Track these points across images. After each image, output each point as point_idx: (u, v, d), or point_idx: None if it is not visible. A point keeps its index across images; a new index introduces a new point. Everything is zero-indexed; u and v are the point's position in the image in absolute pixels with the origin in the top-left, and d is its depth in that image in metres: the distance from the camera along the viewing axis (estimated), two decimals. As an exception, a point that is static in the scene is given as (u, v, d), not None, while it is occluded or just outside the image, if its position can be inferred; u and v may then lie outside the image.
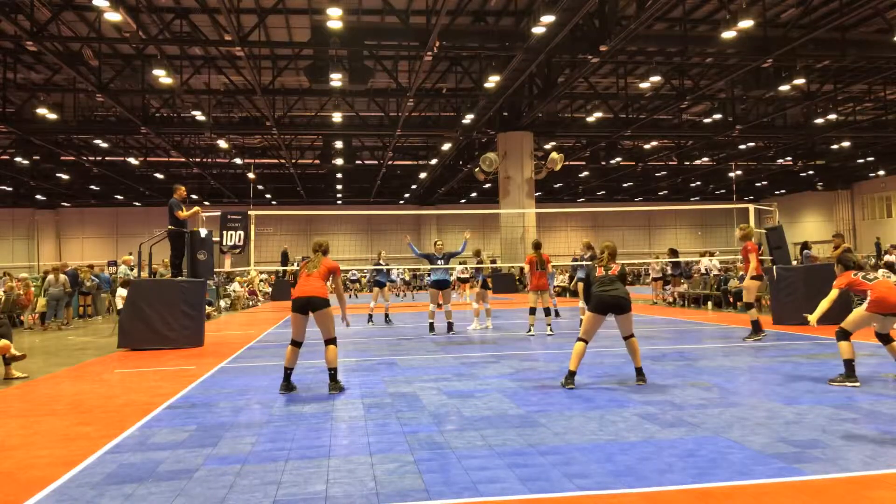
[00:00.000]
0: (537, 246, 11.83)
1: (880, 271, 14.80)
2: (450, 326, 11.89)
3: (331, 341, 6.64)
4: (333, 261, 7.08)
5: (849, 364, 6.28)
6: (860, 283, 6.49)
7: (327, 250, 7.12)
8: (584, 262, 12.96)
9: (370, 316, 14.46)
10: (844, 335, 6.42)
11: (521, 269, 22.04)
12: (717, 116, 27.10)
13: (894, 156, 36.78)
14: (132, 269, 16.55)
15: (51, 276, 15.64)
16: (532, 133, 27.55)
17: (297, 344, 6.60)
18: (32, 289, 16.38)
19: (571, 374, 6.41)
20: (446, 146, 30.31)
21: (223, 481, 3.80)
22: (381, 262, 15.52)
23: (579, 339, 6.48)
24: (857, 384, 6.13)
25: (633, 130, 27.81)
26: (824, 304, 6.55)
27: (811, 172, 41.95)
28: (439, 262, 12.10)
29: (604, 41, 16.74)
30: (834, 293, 6.61)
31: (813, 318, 6.49)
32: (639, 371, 6.53)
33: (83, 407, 6.04)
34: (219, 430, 4.99)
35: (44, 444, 4.76)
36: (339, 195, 46.17)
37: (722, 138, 30.07)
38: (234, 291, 23.76)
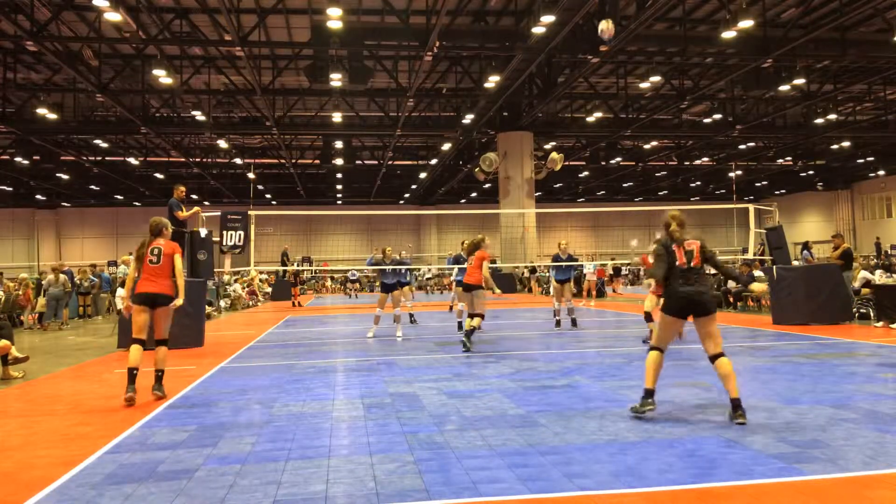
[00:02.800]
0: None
1: (878, 272, 14.83)
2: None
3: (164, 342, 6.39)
4: (174, 242, 6.60)
5: None
6: None
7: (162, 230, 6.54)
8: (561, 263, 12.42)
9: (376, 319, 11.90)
10: None
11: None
12: (717, 116, 27.10)
13: (894, 156, 36.79)
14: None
15: (50, 276, 15.63)
16: (532, 133, 27.56)
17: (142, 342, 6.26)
18: (31, 289, 16.36)
19: (649, 393, 5.03)
20: (446, 146, 30.32)
21: (223, 481, 3.80)
22: (385, 259, 12.43)
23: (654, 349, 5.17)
24: None
25: (633, 130, 27.82)
26: None
27: (811, 172, 41.96)
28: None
29: (604, 41, 16.74)
30: None
31: None
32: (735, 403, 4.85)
33: (83, 407, 6.03)
34: (219, 430, 4.99)
35: (44, 444, 4.76)
36: (339, 195, 46.18)
37: (722, 138, 30.08)
38: (234, 291, 23.77)
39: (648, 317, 9.38)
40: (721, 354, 4.92)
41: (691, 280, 5.00)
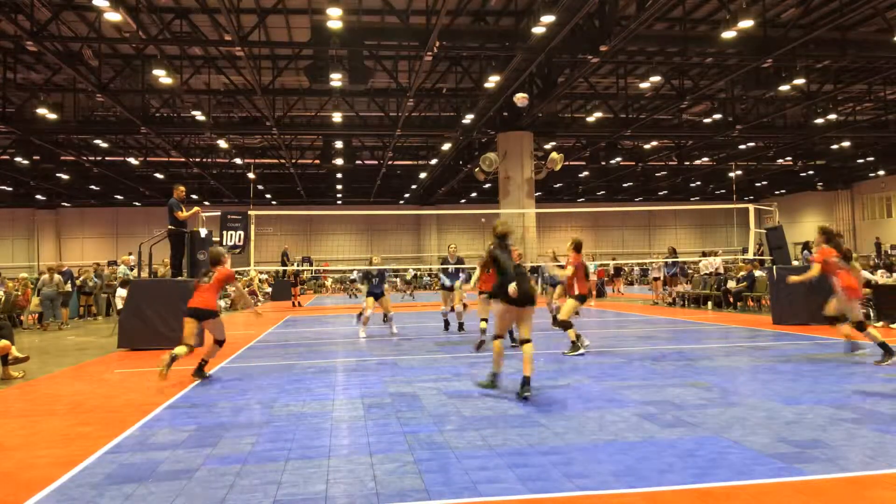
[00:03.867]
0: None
1: (879, 272, 14.83)
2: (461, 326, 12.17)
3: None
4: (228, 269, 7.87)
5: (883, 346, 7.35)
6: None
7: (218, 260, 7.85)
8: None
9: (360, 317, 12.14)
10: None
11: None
12: (717, 116, 27.09)
13: (894, 156, 36.76)
14: (132, 269, 16.55)
15: (45, 276, 15.63)
16: (532, 133, 27.55)
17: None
18: (30, 289, 16.36)
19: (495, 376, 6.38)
20: (446, 146, 30.30)
21: (223, 481, 3.80)
22: (372, 265, 12.63)
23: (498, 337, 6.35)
24: None
25: (633, 130, 27.80)
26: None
27: (811, 172, 41.93)
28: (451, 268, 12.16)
29: (604, 41, 16.74)
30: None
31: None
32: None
33: (83, 407, 6.04)
34: (219, 430, 4.99)
35: (44, 444, 4.76)
36: (339, 195, 46.15)
37: (722, 138, 30.05)
38: (234, 291, 23.72)
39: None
40: (529, 341, 6.07)
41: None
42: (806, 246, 19.29)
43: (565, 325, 8.79)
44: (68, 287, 16.64)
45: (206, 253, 11.47)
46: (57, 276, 15.74)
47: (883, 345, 7.43)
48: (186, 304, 7.77)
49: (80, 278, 18.31)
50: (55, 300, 15.65)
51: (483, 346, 8.57)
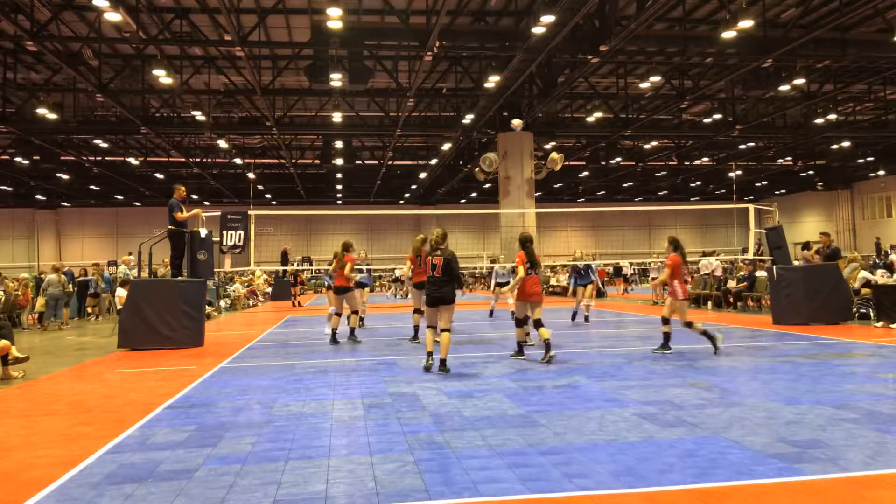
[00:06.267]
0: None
1: (879, 271, 14.82)
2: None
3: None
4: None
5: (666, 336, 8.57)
6: None
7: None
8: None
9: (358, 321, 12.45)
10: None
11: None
12: (717, 116, 27.09)
13: (894, 156, 36.76)
14: (132, 269, 16.56)
15: (51, 276, 15.61)
16: (532, 133, 27.55)
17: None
18: (30, 289, 16.35)
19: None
20: (446, 146, 30.31)
21: (223, 481, 3.80)
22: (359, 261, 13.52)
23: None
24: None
25: (633, 130, 27.81)
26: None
27: (811, 172, 41.93)
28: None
29: (604, 41, 16.74)
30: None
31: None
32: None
33: (83, 407, 6.04)
34: (219, 430, 4.99)
35: (44, 444, 4.76)
36: (339, 195, 46.15)
37: (722, 138, 30.06)
38: (234, 291, 23.76)
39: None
40: (447, 330, 7.54)
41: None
42: (806, 246, 19.28)
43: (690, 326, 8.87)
44: (70, 287, 16.66)
45: (206, 253, 11.48)
46: (63, 276, 15.78)
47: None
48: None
49: (90, 278, 18.27)
50: (60, 300, 15.69)
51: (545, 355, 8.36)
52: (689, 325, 8.74)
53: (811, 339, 9.90)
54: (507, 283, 14.50)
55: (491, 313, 16.00)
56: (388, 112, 26.22)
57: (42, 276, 16.67)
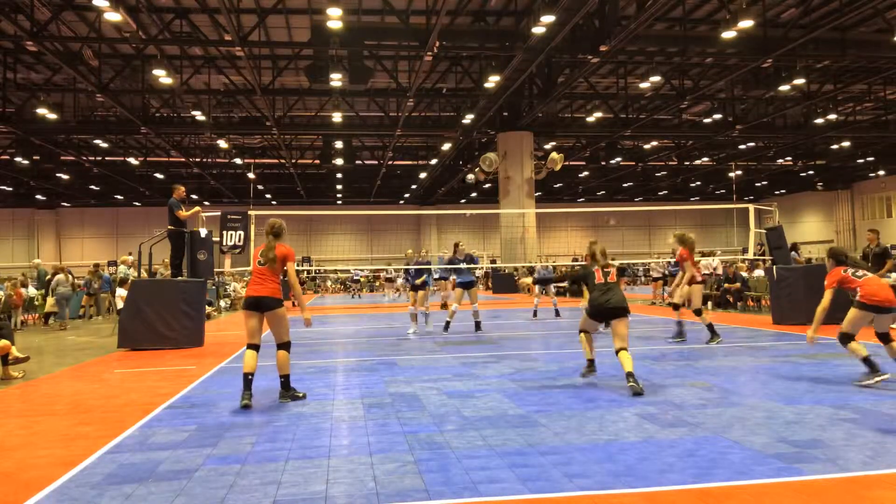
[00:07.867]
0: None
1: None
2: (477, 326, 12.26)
3: (283, 346, 6.23)
4: (288, 246, 6.31)
5: (867, 361, 6.23)
6: (850, 280, 6.41)
7: (280, 232, 6.29)
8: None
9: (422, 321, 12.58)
10: (847, 338, 6.37)
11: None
12: (717, 116, 27.10)
13: (894, 156, 36.77)
14: (130, 269, 16.56)
15: (60, 276, 15.61)
16: (532, 133, 27.56)
17: (254, 347, 6.14)
18: (21, 288, 16.30)
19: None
20: (446, 146, 30.31)
21: (223, 481, 3.80)
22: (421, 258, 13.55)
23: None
24: (886, 376, 6.07)
25: (633, 130, 27.81)
26: (819, 315, 6.41)
27: (811, 172, 41.95)
28: (461, 263, 12.23)
29: (604, 41, 16.74)
30: (826, 296, 6.42)
31: (811, 334, 6.49)
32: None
33: (83, 407, 6.03)
34: (219, 430, 4.99)
35: (44, 444, 4.76)
36: (339, 195, 46.17)
37: (722, 138, 30.07)
38: (234, 291, 23.75)
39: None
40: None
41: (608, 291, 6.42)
42: (794, 247, 19.25)
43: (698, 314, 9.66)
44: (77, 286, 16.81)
45: (206, 253, 11.48)
46: (70, 276, 15.85)
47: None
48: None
49: (87, 279, 18.36)
50: (69, 299, 15.75)
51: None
52: (698, 312, 9.36)
53: (811, 339, 9.88)
54: (549, 279, 14.60)
55: (535, 313, 15.27)
56: (388, 112, 26.22)
57: (55, 274, 16.63)
